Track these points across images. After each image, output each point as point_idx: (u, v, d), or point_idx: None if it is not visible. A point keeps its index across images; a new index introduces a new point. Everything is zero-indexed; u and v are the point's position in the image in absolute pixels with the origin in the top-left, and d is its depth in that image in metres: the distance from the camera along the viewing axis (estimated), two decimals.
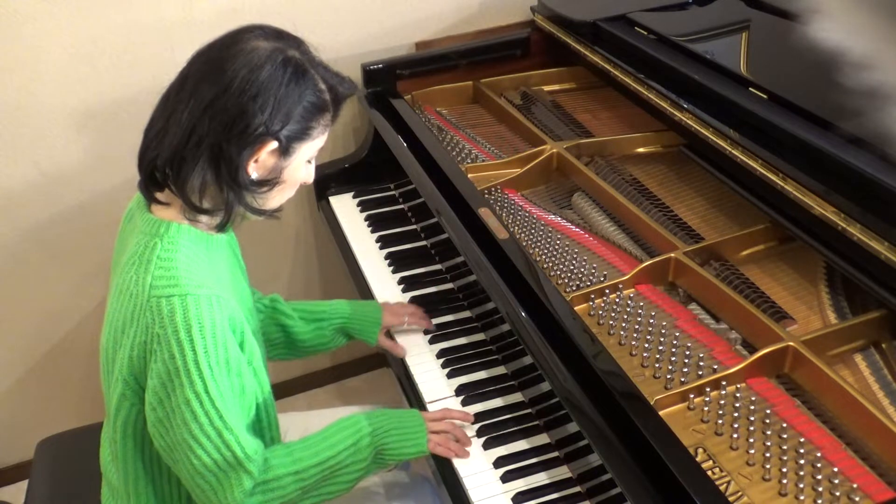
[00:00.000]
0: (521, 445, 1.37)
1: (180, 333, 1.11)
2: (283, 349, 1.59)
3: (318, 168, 2.06)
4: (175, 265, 1.15)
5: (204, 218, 1.21)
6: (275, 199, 1.24)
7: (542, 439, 1.38)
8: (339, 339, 1.60)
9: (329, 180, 2.06)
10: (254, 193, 1.19)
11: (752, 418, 1.20)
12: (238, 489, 1.17)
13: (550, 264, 1.53)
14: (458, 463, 1.35)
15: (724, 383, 1.25)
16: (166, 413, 1.14)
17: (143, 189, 1.21)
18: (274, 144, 1.15)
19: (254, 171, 1.17)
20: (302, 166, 1.23)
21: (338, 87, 1.22)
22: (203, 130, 1.12)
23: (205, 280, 1.16)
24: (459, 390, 1.49)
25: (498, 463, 1.34)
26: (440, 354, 1.57)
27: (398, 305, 1.65)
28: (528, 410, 1.43)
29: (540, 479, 1.32)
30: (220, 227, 1.22)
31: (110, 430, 1.25)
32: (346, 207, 2.01)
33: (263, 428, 1.29)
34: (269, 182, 1.19)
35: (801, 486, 1.12)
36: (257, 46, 1.15)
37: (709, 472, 1.11)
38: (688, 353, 1.32)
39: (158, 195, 1.20)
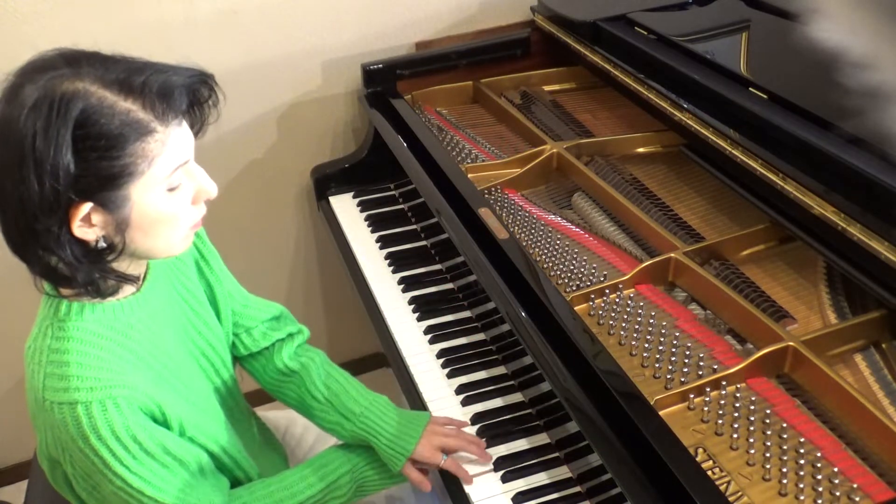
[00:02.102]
0: (521, 445, 1.37)
1: (79, 442, 1.02)
2: (297, 410, 1.42)
3: (318, 168, 2.10)
4: (66, 360, 1.01)
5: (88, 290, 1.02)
6: (152, 245, 1.02)
7: (542, 439, 1.38)
8: (355, 443, 1.34)
9: (329, 180, 2.06)
10: (109, 260, 0.99)
11: (752, 418, 1.20)
12: None
13: (550, 264, 1.53)
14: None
15: (724, 383, 1.25)
16: (103, 498, 1.11)
17: (35, 284, 1.05)
18: (86, 206, 0.93)
19: (90, 236, 0.96)
20: (158, 202, 0.98)
21: (152, 86, 0.94)
22: (11, 221, 0.95)
23: (101, 375, 1.01)
24: (459, 390, 1.49)
25: (498, 463, 1.34)
26: (440, 354, 1.57)
27: (442, 431, 1.32)
28: (528, 410, 1.43)
29: (540, 479, 1.31)
30: (99, 295, 1.03)
31: (53, 485, 1.21)
32: (346, 207, 2.01)
33: (229, 468, 1.26)
34: (118, 243, 0.97)
35: (801, 486, 1.11)
36: (22, 99, 0.91)
37: (709, 472, 1.11)
38: (688, 353, 1.32)
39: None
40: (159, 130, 0.95)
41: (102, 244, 0.98)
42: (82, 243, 0.97)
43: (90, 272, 0.99)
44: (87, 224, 0.96)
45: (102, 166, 0.92)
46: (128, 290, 1.10)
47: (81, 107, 0.90)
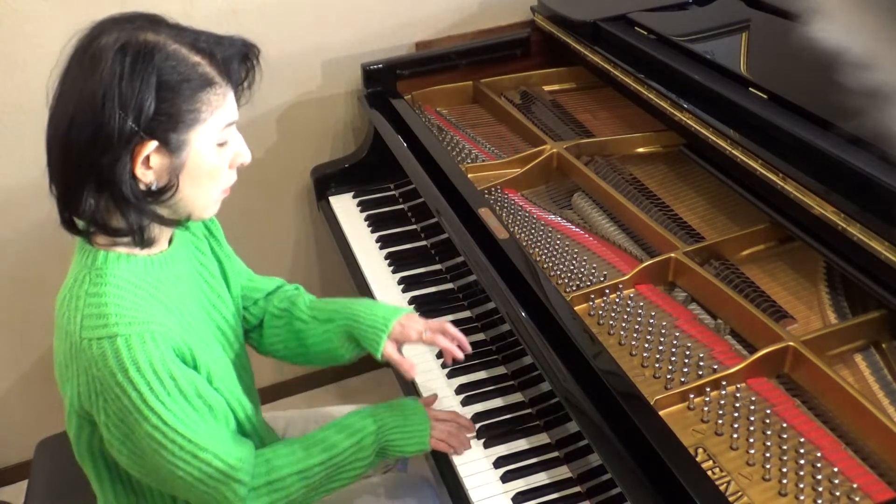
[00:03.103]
0: (521, 445, 1.37)
1: (118, 376, 1.05)
2: (299, 356, 1.45)
3: (318, 168, 2.10)
4: (104, 301, 1.07)
5: (125, 240, 1.10)
6: (195, 198, 1.11)
7: (542, 439, 1.38)
8: (349, 345, 1.37)
9: (329, 180, 2.07)
10: (159, 202, 1.08)
11: (752, 418, 1.20)
12: (233, 496, 1.16)
13: (550, 264, 1.53)
14: (458, 463, 1.35)
15: (724, 383, 1.25)
16: (135, 446, 1.11)
17: (64, 226, 1.12)
18: (152, 144, 1.03)
19: (147, 178, 1.06)
20: (209, 153, 1.09)
21: (215, 51, 1.08)
22: (74, 156, 1.03)
23: (137, 314, 1.07)
24: (459, 390, 1.49)
25: (498, 463, 1.34)
26: (440, 354, 1.57)
27: (416, 319, 1.38)
28: (528, 410, 1.43)
29: (540, 479, 1.32)
30: (142, 244, 1.11)
31: (77, 455, 1.22)
32: (346, 207, 2.01)
33: (248, 434, 1.27)
34: (170, 185, 1.07)
35: (801, 486, 1.12)
36: (99, 45, 1.03)
37: (709, 472, 1.11)
38: (688, 353, 1.32)
39: (79, 226, 1.12)
40: (221, 85, 1.08)
41: (156, 187, 1.07)
42: (139, 182, 1.06)
43: (139, 215, 1.07)
44: (146, 166, 1.05)
45: (174, 108, 1.03)
46: (155, 249, 1.16)
47: (163, 54, 1.03)
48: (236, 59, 1.11)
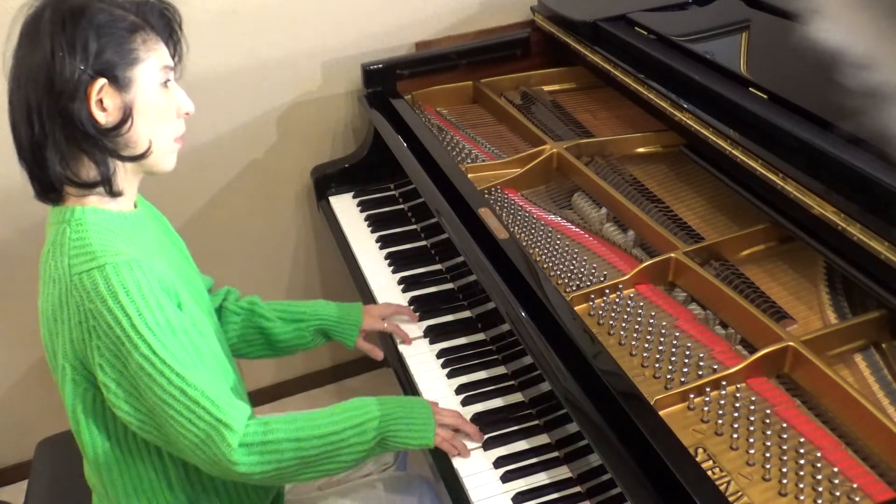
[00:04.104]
0: (521, 445, 1.37)
1: (109, 302, 1.10)
2: (262, 349, 1.59)
3: (318, 168, 2.10)
4: (88, 241, 1.14)
5: (97, 190, 1.18)
6: (148, 133, 1.19)
7: (542, 439, 1.38)
8: (319, 339, 1.60)
9: (329, 180, 2.07)
10: (117, 137, 1.16)
11: (752, 418, 1.20)
12: (223, 445, 1.15)
13: (550, 264, 1.53)
14: (457, 463, 1.35)
15: (724, 383, 1.25)
16: (131, 383, 1.14)
17: (40, 197, 1.21)
18: (101, 81, 1.13)
19: (103, 117, 1.14)
20: (155, 91, 1.18)
21: (139, 10, 1.19)
22: (35, 112, 1.12)
23: (122, 248, 1.15)
24: (459, 390, 1.49)
25: (498, 463, 1.34)
26: (440, 354, 1.57)
27: (380, 307, 1.65)
28: (529, 410, 1.43)
29: (540, 479, 1.32)
30: (112, 192, 1.19)
31: (74, 424, 1.24)
32: (346, 207, 2.01)
33: (241, 398, 1.28)
34: (125, 119, 1.16)
35: (801, 486, 1.12)
36: (42, 19, 1.13)
37: (709, 472, 1.11)
38: (688, 353, 1.32)
39: (51, 193, 1.19)
40: (150, 31, 1.18)
41: (112, 123, 1.15)
42: (97, 122, 1.14)
43: (104, 154, 1.16)
44: (101, 107, 1.14)
45: (115, 48, 1.14)
46: (124, 206, 1.24)
47: (93, 8, 1.13)
48: (157, 17, 1.21)
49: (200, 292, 1.38)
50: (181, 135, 1.25)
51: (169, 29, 1.23)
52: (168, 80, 1.21)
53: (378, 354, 1.61)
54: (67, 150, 1.14)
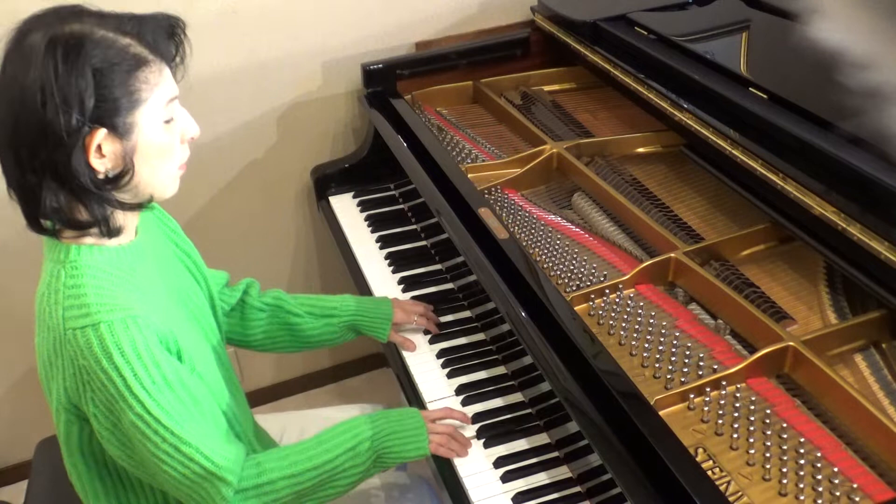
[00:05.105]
0: (521, 445, 1.37)
1: (103, 363, 1.05)
2: (288, 344, 1.57)
3: (318, 168, 2.10)
4: (83, 291, 1.08)
5: (93, 231, 1.11)
6: (153, 178, 1.12)
7: (542, 439, 1.38)
8: (348, 334, 1.59)
9: (329, 180, 2.07)
10: (119, 188, 1.09)
11: (752, 418, 1.20)
12: (217, 496, 1.15)
13: (550, 264, 1.53)
14: (458, 463, 1.35)
15: (724, 383, 1.25)
16: (123, 436, 1.11)
17: (31, 229, 1.13)
18: (101, 132, 1.04)
19: (103, 166, 1.07)
20: (158, 131, 1.10)
21: (142, 31, 1.08)
22: (26, 157, 1.04)
23: (118, 301, 1.08)
24: (459, 390, 1.49)
25: (498, 463, 1.34)
26: (440, 354, 1.57)
27: (409, 303, 1.65)
28: (528, 410, 1.43)
29: (540, 479, 1.32)
30: (109, 233, 1.12)
31: (66, 458, 1.22)
32: (346, 207, 2.01)
33: (238, 433, 1.27)
34: (125, 171, 1.08)
35: (801, 486, 1.12)
36: (28, 44, 1.03)
37: (709, 472, 1.11)
38: (688, 353, 1.32)
39: (45, 225, 1.12)
40: (155, 62, 1.09)
41: (113, 174, 1.08)
42: (96, 172, 1.07)
43: (102, 204, 1.09)
44: (100, 154, 1.06)
45: (114, 93, 1.04)
46: (124, 239, 1.17)
47: (92, 42, 1.03)
48: (163, 35, 1.11)
49: (201, 310, 1.34)
50: (185, 160, 1.18)
51: (174, 44, 1.14)
52: (172, 116, 1.12)
53: (411, 346, 1.59)
54: (62, 194, 1.06)
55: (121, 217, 1.14)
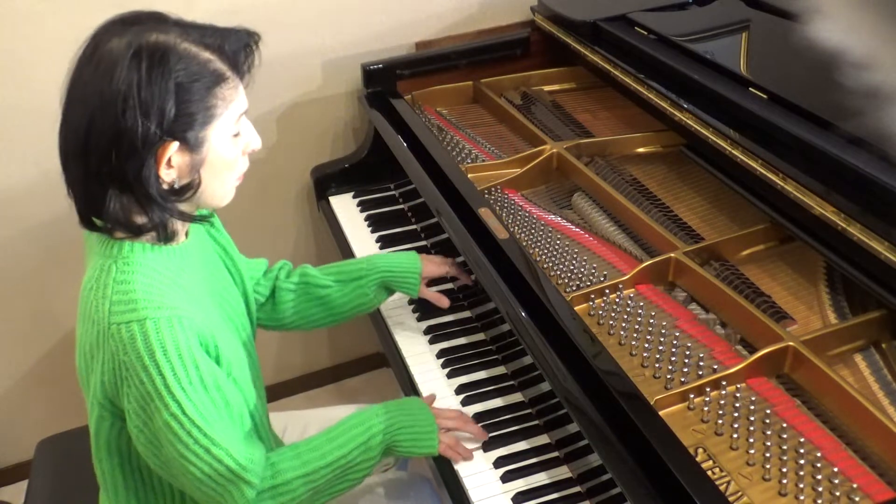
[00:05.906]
0: (521, 445, 1.37)
1: (144, 359, 1.06)
2: (321, 318, 1.55)
3: (318, 168, 2.10)
4: (132, 287, 1.09)
5: (148, 235, 1.14)
6: (214, 189, 1.15)
7: (542, 439, 1.38)
8: (381, 294, 1.54)
9: (329, 180, 2.06)
10: (182, 199, 1.12)
11: (752, 418, 1.20)
12: (240, 497, 1.16)
13: (550, 264, 1.53)
14: (458, 463, 1.35)
15: (724, 383, 1.25)
16: (153, 434, 1.11)
17: (85, 225, 1.14)
18: (174, 145, 1.06)
19: (170, 177, 1.09)
20: (226, 145, 1.12)
21: (225, 46, 1.11)
22: (95, 165, 1.05)
23: (165, 300, 1.10)
24: (459, 390, 1.49)
25: (498, 463, 1.34)
26: (440, 354, 1.57)
27: (436, 257, 1.61)
28: (528, 410, 1.43)
29: (540, 479, 1.32)
30: (166, 238, 1.15)
31: (94, 449, 1.23)
32: (346, 207, 2.01)
33: (262, 435, 1.27)
34: (192, 184, 1.11)
35: (801, 486, 1.12)
36: (110, 49, 1.03)
37: (709, 472, 1.11)
38: (688, 353, 1.32)
39: (98, 223, 1.13)
40: (233, 78, 1.11)
41: (179, 185, 1.10)
42: (162, 182, 1.08)
43: (163, 212, 1.10)
44: (169, 166, 1.08)
45: (192, 108, 1.05)
46: (175, 241, 1.18)
47: (176, 56, 1.04)
48: (242, 51, 1.13)
49: (235, 309, 1.35)
50: (244, 171, 1.20)
51: (249, 60, 1.15)
52: (239, 130, 1.14)
53: (445, 302, 1.58)
54: (124, 199, 1.08)
55: (178, 223, 1.16)
